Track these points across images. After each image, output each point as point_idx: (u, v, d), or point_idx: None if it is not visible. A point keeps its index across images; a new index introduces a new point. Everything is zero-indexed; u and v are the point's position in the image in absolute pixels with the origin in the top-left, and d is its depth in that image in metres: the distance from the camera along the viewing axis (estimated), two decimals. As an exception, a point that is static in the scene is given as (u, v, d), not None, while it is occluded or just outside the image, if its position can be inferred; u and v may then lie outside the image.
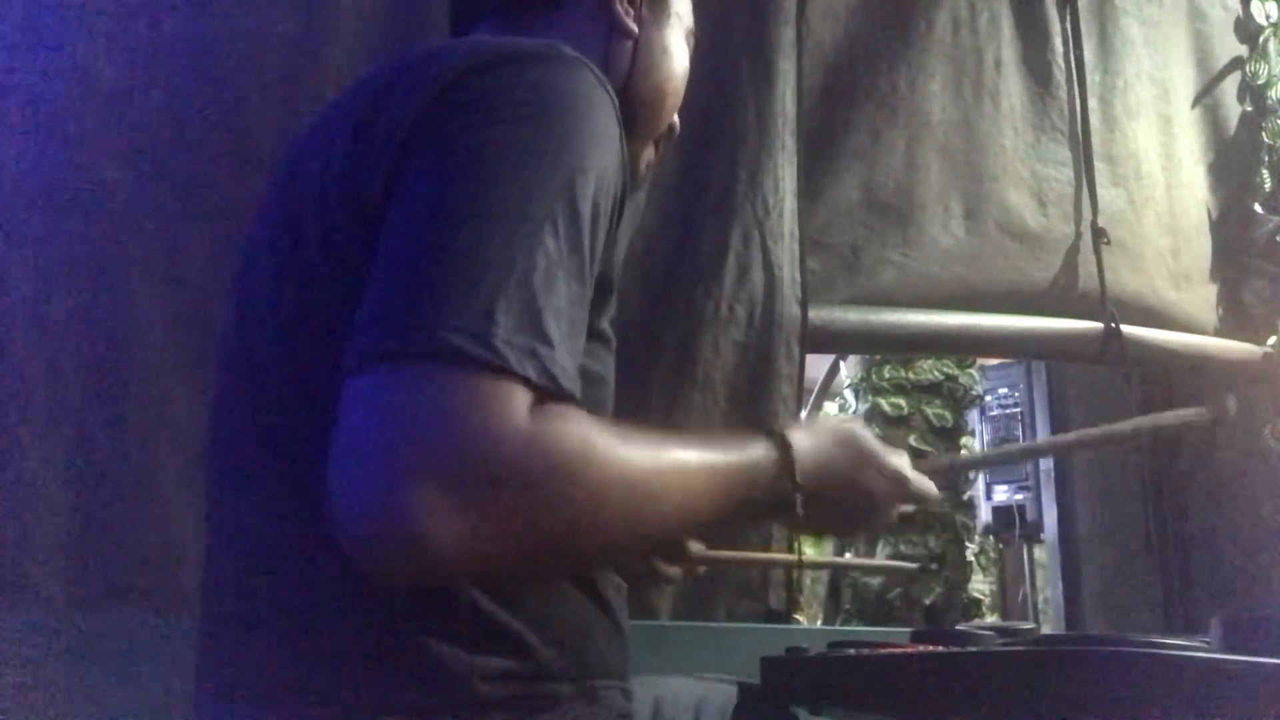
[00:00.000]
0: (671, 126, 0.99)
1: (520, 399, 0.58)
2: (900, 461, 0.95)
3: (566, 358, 0.61)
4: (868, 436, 0.92)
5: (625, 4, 0.90)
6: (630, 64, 0.90)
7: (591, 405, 0.68)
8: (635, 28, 0.90)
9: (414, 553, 0.55)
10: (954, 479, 2.73)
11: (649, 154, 0.98)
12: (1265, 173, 2.07)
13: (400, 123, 0.68)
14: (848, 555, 2.80)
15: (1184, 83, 2.06)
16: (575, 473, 0.60)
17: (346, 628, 0.68)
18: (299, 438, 0.70)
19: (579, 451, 0.60)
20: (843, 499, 0.89)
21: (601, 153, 0.68)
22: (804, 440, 0.82)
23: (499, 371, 0.57)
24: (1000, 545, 3.42)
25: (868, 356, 3.05)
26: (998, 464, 3.18)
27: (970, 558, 3.06)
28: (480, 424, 0.56)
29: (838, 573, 3.09)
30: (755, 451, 0.78)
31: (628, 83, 0.89)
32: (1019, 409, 3.11)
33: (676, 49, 0.95)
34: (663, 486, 0.67)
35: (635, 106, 0.89)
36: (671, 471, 0.68)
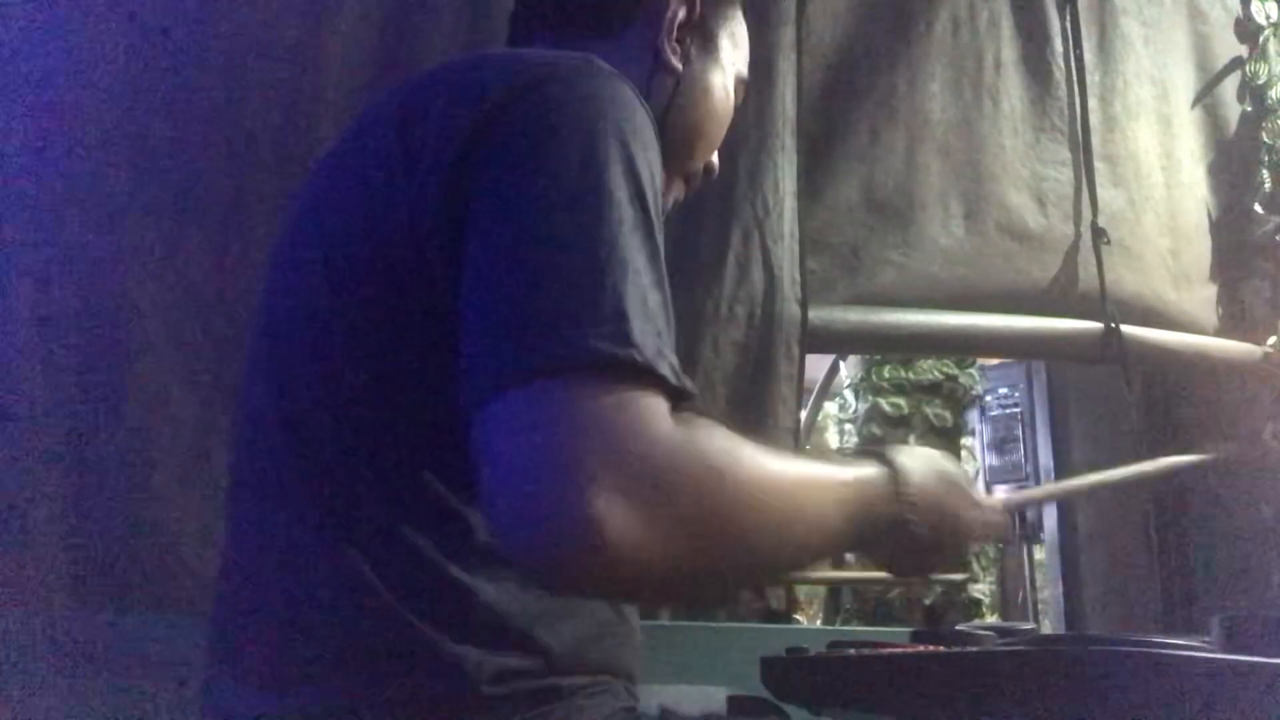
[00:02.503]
0: (709, 167, 1.01)
1: (662, 400, 0.60)
2: (990, 497, 0.93)
3: (675, 355, 0.64)
4: (960, 467, 0.89)
5: (673, 41, 0.92)
6: (669, 99, 0.92)
7: None
8: (679, 65, 0.92)
9: (604, 561, 0.56)
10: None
11: (678, 189, 0.99)
12: (1265, 173, 2.07)
13: (451, 138, 0.68)
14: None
15: (1184, 83, 2.06)
16: (726, 475, 0.62)
17: (360, 623, 0.68)
18: (325, 441, 0.72)
19: (727, 455, 0.62)
20: (938, 525, 0.82)
21: (654, 162, 0.70)
22: (908, 460, 0.80)
23: (645, 374, 0.59)
24: (1000, 545, 3.42)
25: (868, 356, 3.05)
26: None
27: (970, 558, 3.06)
28: (642, 428, 0.58)
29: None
30: (866, 469, 0.76)
31: (664, 116, 0.90)
32: (1019, 409, 3.11)
33: (719, 92, 0.96)
34: (797, 496, 0.68)
35: (668, 141, 0.90)
36: (802, 483, 0.69)
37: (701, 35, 0.95)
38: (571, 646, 0.73)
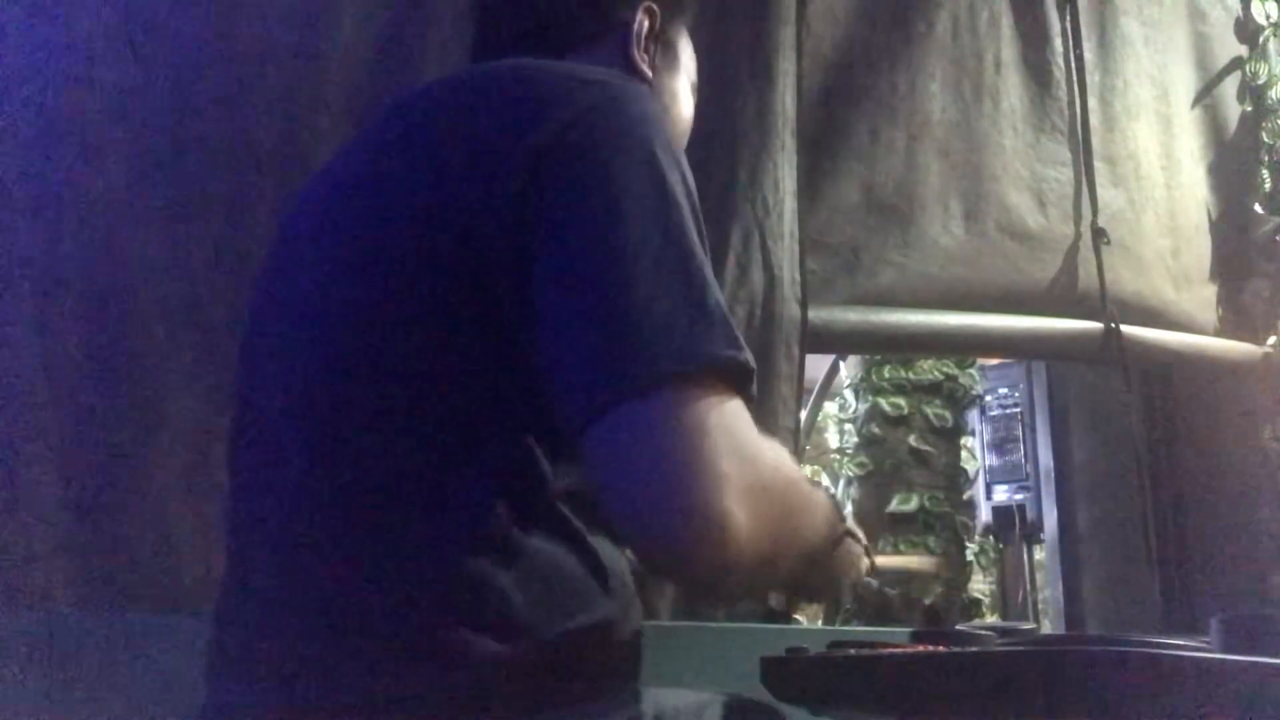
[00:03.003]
0: None
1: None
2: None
3: None
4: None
5: (643, 51, 0.96)
6: None
7: None
8: (650, 73, 0.96)
9: (729, 552, 0.62)
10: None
11: None
12: (1265, 173, 2.08)
13: (512, 151, 0.70)
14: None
15: (1184, 83, 2.06)
16: (797, 482, 0.72)
17: (368, 616, 0.69)
18: (334, 434, 0.72)
19: (792, 466, 0.71)
20: (853, 552, 0.99)
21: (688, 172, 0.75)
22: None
23: (746, 373, 0.66)
24: (1000, 545, 3.42)
25: (868, 356, 3.05)
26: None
27: (970, 558, 3.05)
28: (752, 431, 0.65)
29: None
30: (822, 493, 0.87)
31: None
32: (1019, 409, 3.10)
33: (684, 97, 1.02)
34: (814, 507, 0.79)
35: None
36: (815, 496, 0.80)
37: (663, 45, 0.99)
38: (574, 644, 0.73)
